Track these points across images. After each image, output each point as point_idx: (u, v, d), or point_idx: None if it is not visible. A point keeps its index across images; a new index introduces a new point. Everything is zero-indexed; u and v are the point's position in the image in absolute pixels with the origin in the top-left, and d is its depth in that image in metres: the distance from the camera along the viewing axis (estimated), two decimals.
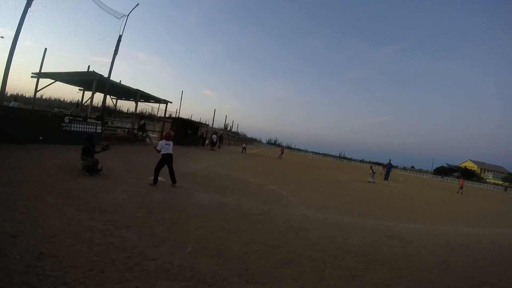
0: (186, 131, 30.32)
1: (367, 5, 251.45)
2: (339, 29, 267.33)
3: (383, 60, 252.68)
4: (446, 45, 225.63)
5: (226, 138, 49.80)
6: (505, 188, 73.99)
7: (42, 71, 16.84)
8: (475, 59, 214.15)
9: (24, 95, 25.19)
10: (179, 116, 30.72)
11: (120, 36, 17.04)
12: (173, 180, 8.14)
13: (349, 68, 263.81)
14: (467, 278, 4.71)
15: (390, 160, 28.85)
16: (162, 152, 8.00)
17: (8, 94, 14.70)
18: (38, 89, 17.92)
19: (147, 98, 25.23)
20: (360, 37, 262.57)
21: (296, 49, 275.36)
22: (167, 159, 8.02)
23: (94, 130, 14.84)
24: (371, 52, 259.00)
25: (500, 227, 10.80)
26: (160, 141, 8.23)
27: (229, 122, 70.75)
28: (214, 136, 31.84)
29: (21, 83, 13.51)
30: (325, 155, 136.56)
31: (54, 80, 18.45)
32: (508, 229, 10.59)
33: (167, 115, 28.16)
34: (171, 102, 27.02)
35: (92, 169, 7.73)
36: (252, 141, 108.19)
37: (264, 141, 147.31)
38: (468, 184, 65.49)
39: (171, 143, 8.21)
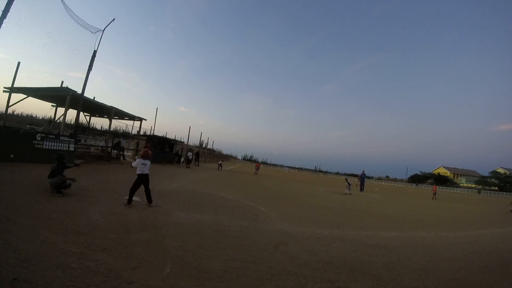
0: (164, 149, 29.98)
1: (331, 27, 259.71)
2: (309, 47, 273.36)
3: (354, 75, 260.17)
4: (414, 55, 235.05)
5: (201, 155, 49.42)
6: (479, 191, 77.36)
7: (15, 85, 16.31)
8: (444, 67, 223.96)
9: None
10: (154, 134, 30.39)
11: (95, 52, 16.85)
12: (149, 200, 7.93)
13: (323, 84, 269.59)
14: (448, 280, 4.85)
15: (363, 171, 29.21)
16: (138, 172, 7.80)
17: None
18: (10, 105, 17.31)
19: (122, 115, 24.90)
20: (329, 55, 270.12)
21: (268, 67, 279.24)
22: (143, 180, 7.83)
23: (67, 148, 14.46)
24: (341, 68, 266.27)
25: (475, 229, 11.26)
26: (137, 159, 8.06)
27: (204, 139, 70.39)
28: (190, 154, 31.61)
29: None
30: (301, 169, 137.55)
31: (26, 96, 17.94)
32: (483, 230, 11.08)
33: (141, 133, 27.82)
34: (145, 119, 26.84)
35: (60, 187, 7.51)
36: (228, 157, 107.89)
37: (240, 157, 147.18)
38: (442, 189, 68.02)
39: (148, 162, 8.02)
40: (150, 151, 8.40)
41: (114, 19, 17.14)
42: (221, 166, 37.26)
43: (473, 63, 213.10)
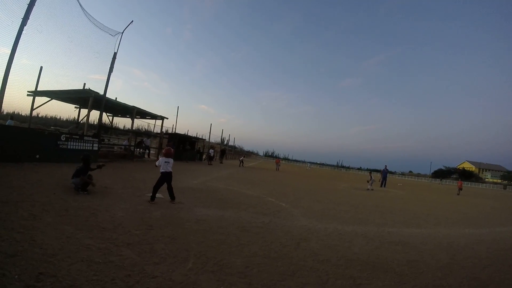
0: (185, 147, 30.36)
1: (350, 20, 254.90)
2: (327, 41, 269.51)
3: (373, 69, 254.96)
4: (436, 45, 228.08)
5: (226, 153, 49.37)
6: (504, 186, 74.86)
7: (38, 89, 16.86)
8: (467, 60, 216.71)
9: (20, 113, 25.10)
10: (176, 132, 30.77)
11: (115, 54, 17.24)
12: (172, 197, 8.00)
13: (341, 78, 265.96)
14: (472, 279, 4.70)
15: (386, 166, 28.36)
16: (161, 171, 7.87)
17: (4, 112, 14.73)
18: (34, 107, 17.93)
19: (143, 114, 25.26)
20: (348, 49, 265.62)
21: (287, 63, 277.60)
22: (166, 177, 7.90)
23: (91, 148, 14.82)
24: (360, 61, 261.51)
25: (500, 226, 10.87)
26: (160, 158, 8.14)
27: (225, 135, 70.60)
28: (211, 151, 31.87)
29: (17, 101, 13.53)
30: (323, 164, 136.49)
31: (50, 98, 18.46)
32: (509, 227, 10.64)
33: (163, 131, 28.22)
34: (167, 118, 27.11)
35: (86, 185, 7.67)
36: (249, 154, 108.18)
37: (261, 153, 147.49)
38: (467, 185, 66.02)
39: (171, 160, 8.08)
40: (172, 150, 8.46)
41: (132, 21, 17.52)
42: (243, 163, 37.41)
43: (502, 52, 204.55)
